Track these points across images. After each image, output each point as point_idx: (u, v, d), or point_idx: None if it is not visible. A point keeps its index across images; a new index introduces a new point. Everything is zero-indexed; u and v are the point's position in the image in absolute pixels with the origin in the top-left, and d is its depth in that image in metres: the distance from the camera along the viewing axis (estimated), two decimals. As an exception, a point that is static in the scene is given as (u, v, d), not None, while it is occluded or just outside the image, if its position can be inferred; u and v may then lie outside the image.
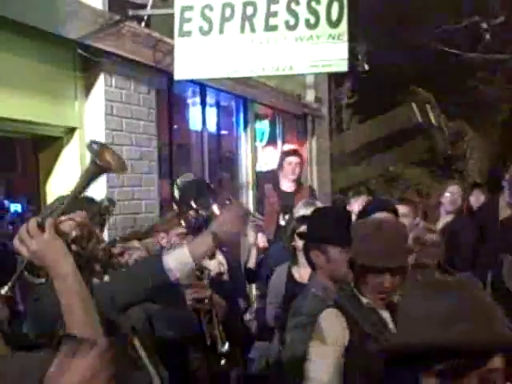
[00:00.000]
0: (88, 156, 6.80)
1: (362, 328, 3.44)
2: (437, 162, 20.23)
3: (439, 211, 7.68)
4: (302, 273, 5.91)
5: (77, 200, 2.84)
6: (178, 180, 6.53)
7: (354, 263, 3.60)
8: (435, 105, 20.44)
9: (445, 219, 7.56)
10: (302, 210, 6.34)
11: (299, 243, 5.43)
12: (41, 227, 2.51)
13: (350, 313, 3.48)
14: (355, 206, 7.41)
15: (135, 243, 3.58)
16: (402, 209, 6.23)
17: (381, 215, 5.10)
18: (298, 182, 8.52)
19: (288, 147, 9.74)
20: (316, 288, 4.07)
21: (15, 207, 9.78)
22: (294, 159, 8.42)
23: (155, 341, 3.53)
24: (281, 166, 8.54)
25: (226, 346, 4.31)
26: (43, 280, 2.56)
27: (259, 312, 6.43)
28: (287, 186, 8.38)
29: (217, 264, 5.57)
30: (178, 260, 2.91)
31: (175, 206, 5.39)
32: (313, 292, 4.05)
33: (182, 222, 3.51)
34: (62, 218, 2.64)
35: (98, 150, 2.76)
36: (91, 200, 3.33)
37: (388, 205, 5.69)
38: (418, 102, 20.06)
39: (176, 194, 6.23)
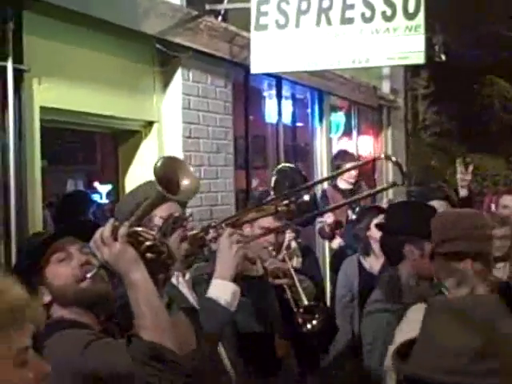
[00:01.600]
0: (166, 148, 6.94)
1: None
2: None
3: None
4: (373, 263, 5.98)
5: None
6: (276, 168, 6.56)
7: (435, 254, 3.55)
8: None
9: None
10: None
11: (375, 234, 5.46)
12: (115, 234, 2.59)
13: None
14: None
15: (228, 230, 3.60)
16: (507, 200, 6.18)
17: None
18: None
19: (339, 149, 9.68)
20: (411, 280, 4.08)
21: (95, 198, 9.98)
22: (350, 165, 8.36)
23: (239, 336, 3.55)
24: (338, 169, 8.48)
25: (305, 300, 4.21)
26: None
27: None
28: (345, 185, 8.39)
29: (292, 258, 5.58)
30: (227, 292, 3.05)
31: (272, 193, 5.37)
32: (409, 283, 4.06)
33: (279, 208, 3.47)
34: (137, 228, 2.70)
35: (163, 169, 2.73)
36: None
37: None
38: (496, 92, 19.75)
39: (272, 181, 6.27)
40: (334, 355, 5.57)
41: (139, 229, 2.69)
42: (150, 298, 2.55)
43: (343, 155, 9.12)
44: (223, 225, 3.33)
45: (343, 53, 7.13)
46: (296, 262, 6.05)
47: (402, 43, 6.98)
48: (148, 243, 2.66)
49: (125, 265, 2.56)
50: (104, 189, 9.71)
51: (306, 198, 3.49)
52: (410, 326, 3.43)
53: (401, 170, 3.24)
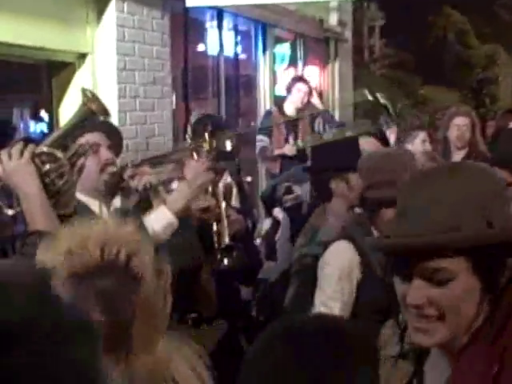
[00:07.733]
0: (100, 80, 6.95)
1: (372, 265, 3.41)
2: (469, 84, 20.02)
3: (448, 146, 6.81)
4: None
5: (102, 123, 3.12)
6: (193, 115, 6.66)
7: (366, 198, 3.57)
8: (469, 28, 20.20)
9: (457, 156, 6.70)
10: None
11: None
12: (21, 153, 2.74)
13: (362, 247, 3.42)
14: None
15: (146, 168, 3.74)
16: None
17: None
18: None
19: (297, 74, 9.89)
20: (335, 217, 4.17)
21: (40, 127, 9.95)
22: (303, 87, 8.53)
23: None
24: (289, 90, 8.64)
25: (227, 239, 4.29)
26: (14, 211, 2.80)
27: (269, 233, 6.55)
28: (291, 111, 8.51)
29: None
30: (161, 222, 3.15)
31: (189, 140, 5.48)
32: (331, 222, 4.15)
33: (195, 154, 3.64)
34: (43, 148, 2.83)
35: (89, 96, 2.96)
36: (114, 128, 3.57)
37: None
38: (451, 24, 19.82)
39: (189, 127, 6.37)
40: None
41: (45, 149, 2.82)
42: (44, 209, 2.69)
43: (297, 77, 9.28)
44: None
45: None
46: (234, 200, 6.13)
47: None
48: (50, 166, 2.80)
49: (23, 177, 2.71)
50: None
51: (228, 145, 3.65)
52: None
53: None
